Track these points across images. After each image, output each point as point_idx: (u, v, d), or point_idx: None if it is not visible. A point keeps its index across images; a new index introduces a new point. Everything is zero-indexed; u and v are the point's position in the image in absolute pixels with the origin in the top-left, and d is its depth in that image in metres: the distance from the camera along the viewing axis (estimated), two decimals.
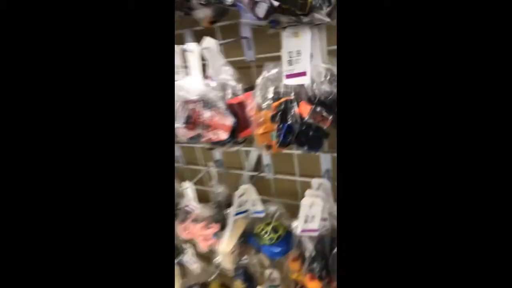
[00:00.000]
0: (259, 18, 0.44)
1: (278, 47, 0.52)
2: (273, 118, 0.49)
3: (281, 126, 0.49)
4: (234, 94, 0.55)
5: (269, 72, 0.51)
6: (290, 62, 0.49)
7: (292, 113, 0.51)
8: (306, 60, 0.49)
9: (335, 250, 0.60)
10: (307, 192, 0.65)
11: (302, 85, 0.51)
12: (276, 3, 0.42)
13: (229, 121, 0.51)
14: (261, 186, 0.85)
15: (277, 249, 0.69)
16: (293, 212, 0.80)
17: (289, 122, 0.50)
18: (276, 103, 0.50)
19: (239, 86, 0.56)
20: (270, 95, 0.51)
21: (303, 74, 0.49)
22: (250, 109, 0.52)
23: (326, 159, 0.68)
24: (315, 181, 0.68)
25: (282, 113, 0.49)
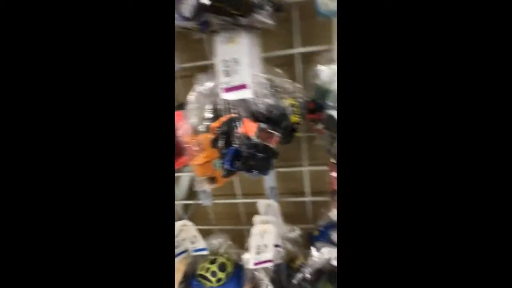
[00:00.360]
0: (185, 18, 0.34)
1: (205, 55, 0.43)
2: (214, 142, 0.39)
3: (225, 151, 0.40)
4: None
5: (202, 85, 0.41)
6: (226, 73, 0.41)
7: (236, 134, 0.42)
8: (245, 70, 0.41)
9: (295, 277, 0.54)
10: (256, 218, 0.57)
11: (243, 100, 0.43)
12: (207, 1, 0.33)
13: None
14: (199, 215, 0.73)
15: None
16: (240, 240, 0.71)
17: (234, 146, 0.41)
18: (216, 123, 0.40)
19: None
20: (207, 114, 0.41)
21: (243, 86, 0.41)
22: (182, 133, 0.41)
23: (269, 176, 0.61)
24: (261, 204, 0.60)
25: (225, 135, 0.40)
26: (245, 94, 0.41)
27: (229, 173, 0.41)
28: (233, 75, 0.41)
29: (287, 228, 0.61)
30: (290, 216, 0.64)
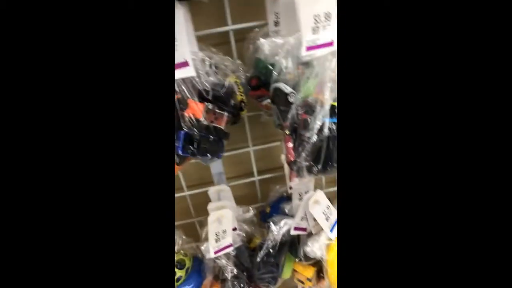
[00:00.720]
0: None
1: None
2: None
3: (175, 136, 0.37)
4: None
5: None
6: None
7: (183, 116, 0.39)
8: (184, 46, 0.37)
9: (258, 256, 0.55)
10: (210, 206, 0.55)
11: (186, 79, 0.39)
12: None
13: None
14: None
15: (191, 285, 0.56)
16: (194, 233, 0.68)
17: (184, 130, 0.38)
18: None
19: None
20: None
21: (185, 64, 0.38)
22: None
23: (216, 161, 0.59)
24: (212, 190, 0.58)
25: None
26: (187, 72, 0.38)
27: (182, 160, 0.38)
28: None
29: (241, 209, 0.60)
30: (241, 198, 0.64)
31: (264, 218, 0.65)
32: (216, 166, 0.60)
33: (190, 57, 0.38)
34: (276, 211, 0.63)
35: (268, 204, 0.67)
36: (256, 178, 0.67)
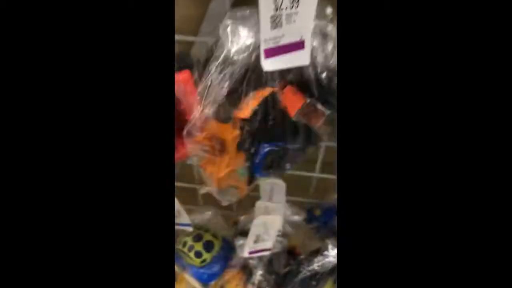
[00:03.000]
0: None
1: None
2: (242, 145, 0.24)
3: (254, 150, 0.25)
4: None
5: (235, 37, 0.23)
6: (274, 21, 0.23)
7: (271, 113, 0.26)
8: (305, 19, 0.23)
9: (297, 273, 0.47)
10: (258, 204, 0.46)
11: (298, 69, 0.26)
12: None
13: None
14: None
15: (213, 270, 0.52)
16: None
17: (267, 142, 0.26)
18: (245, 110, 0.24)
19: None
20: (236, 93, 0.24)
21: (299, 45, 0.24)
22: (187, 107, 0.25)
23: None
24: (264, 184, 0.49)
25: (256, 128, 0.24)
26: (301, 58, 0.24)
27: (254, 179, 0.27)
28: (286, 24, 0.23)
29: (291, 210, 0.51)
30: (290, 187, 0.54)
31: (310, 220, 0.57)
32: None
33: (309, 35, 0.24)
34: (329, 218, 0.54)
35: (320, 206, 0.57)
36: (316, 174, 0.56)
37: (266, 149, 0.26)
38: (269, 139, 0.26)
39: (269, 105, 0.25)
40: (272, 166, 0.26)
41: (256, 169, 0.25)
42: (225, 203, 0.36)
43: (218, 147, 0.26)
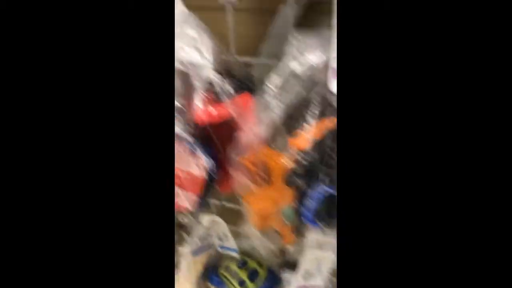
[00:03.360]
0: None
1: None
2: (291, 178, 0.21)
3: (306, 188, 0.22)
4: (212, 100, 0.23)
5: (300, 54, 0.21)
6: None
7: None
8: None
9: None
10: (311, 238, 0.42)
11: None
12: None
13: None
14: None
15: None
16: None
17: (324, 183, 0.22)
18: (303, 140, 0.21)
19: (219, 79, 0.24)
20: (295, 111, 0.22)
21: None
22: (247, 138, 0.23)
23: None
24: None
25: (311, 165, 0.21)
26: None
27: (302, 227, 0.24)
28: None
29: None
30: None
31: None
32: None
33: None
34: None
35: None
36: None
37: (323, 193, 0.21)
38: (328, 180, 0.22)
39: (334, 138, 0.22)
40: (329, 215, 0.22)
41: (307, 215, 0.22)
42: (264, 251, 0.32)
43: (262, 175, 0.24)
